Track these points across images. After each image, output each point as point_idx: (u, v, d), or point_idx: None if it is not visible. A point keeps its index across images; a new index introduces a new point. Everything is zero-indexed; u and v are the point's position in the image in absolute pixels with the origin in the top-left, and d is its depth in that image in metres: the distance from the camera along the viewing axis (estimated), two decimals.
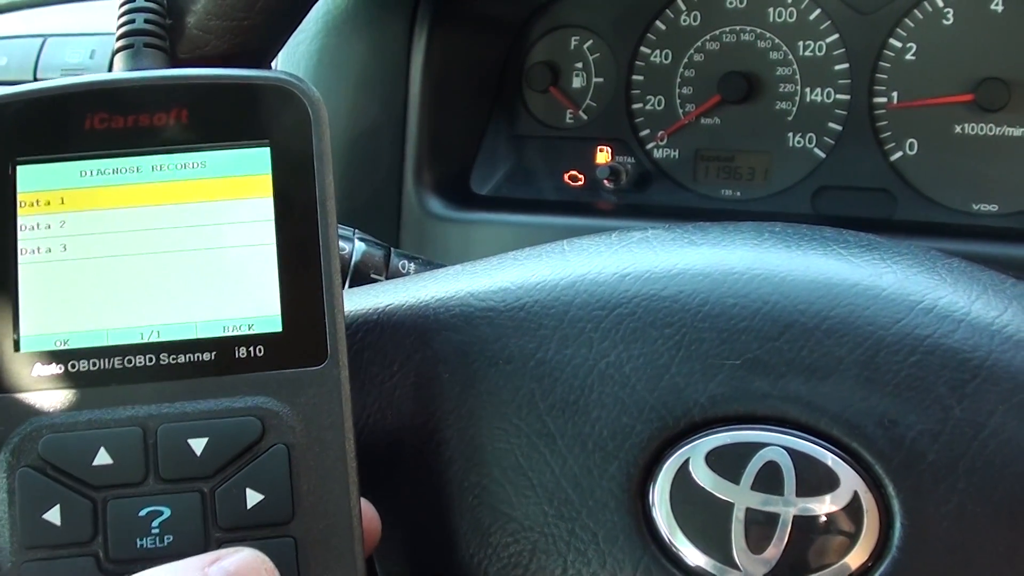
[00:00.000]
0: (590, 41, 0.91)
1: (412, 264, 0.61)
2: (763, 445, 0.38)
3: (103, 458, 0.37)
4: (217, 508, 0.37)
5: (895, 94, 0.82)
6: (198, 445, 0.38)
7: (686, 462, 0.39)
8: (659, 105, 0.89)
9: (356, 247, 0.61)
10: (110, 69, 0.85)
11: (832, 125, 0.84)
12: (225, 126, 0.40)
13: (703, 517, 0.39)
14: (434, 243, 0.86)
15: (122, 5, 0.44)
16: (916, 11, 0.80)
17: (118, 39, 0.44)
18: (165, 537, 0.37)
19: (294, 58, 0.83)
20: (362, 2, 0.85)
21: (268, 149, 0.40)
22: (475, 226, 0.85)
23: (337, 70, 0.84)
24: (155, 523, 0.37)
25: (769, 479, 0.38)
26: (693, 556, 0.39)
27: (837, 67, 0.83)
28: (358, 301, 0.45)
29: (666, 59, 0.89)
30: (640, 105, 0.90)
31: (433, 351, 0.43)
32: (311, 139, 0.40)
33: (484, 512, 0.42)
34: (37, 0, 0.96)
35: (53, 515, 0.37)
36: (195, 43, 0.46)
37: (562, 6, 0.91)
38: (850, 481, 0.37)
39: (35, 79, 0.89)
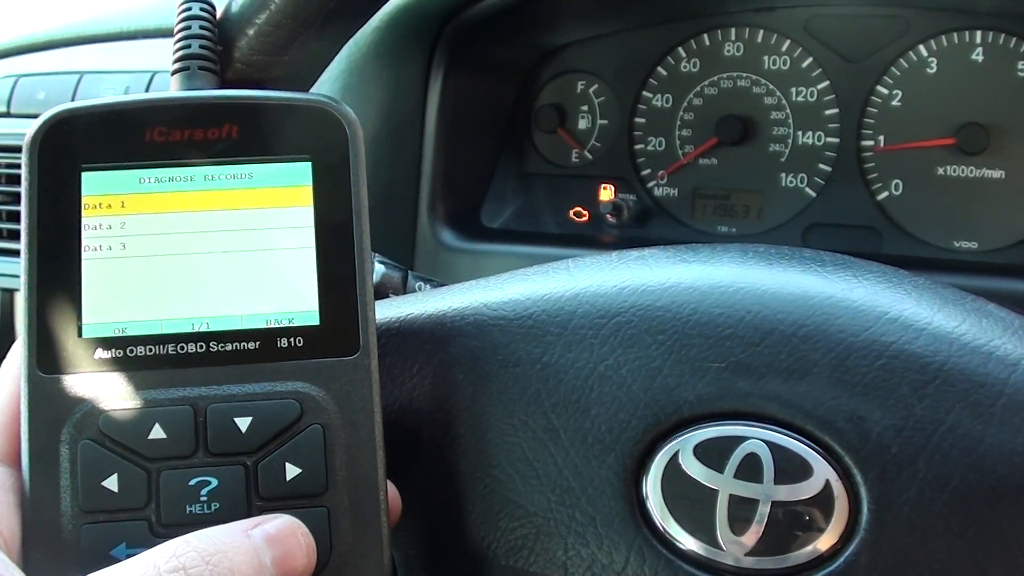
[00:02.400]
0: (595, 85, 0.93)
1: (427, 286, 0.63)
2: (745, 438, 0.40)
3: (157, 433, 0.39)
4: (259, 480, 0.40)
5: (881, 138, 0.84)
6: (243, 423, 0.40)
7: (676, 454, 0.41)
8: (660, 146, 0.91)
9: (376, 268, 0.62)
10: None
11: (822, 166, 0.86)
12: (271, 142, 0.42)
13: (691, 503, 0.40)
14: (446, 272, 0.86)
15: (179, 31, 0.46)
16: (902, 60, 0.83)
17: (175, 62, 0.46)
18: (212, 504, 0.39)
19: None
20: (382, 46, 0.86)
21: (309, 163, 0.42)
22: (485, 256, 0.86)
23: (358, 108, 0.78)
24: (203, 492, 0.39)
25: (750, 469, 0.40)
26: (682, 538, 0.40)
27: (827, 112, 0.85)
28: (382, 310, 0.47)
29: (667, 103, 0.91)
30: (642, 146, 0.92)
31: (449, 355, 0.45)
32: (348, 155, 0.42)
33: (493, 499, 0.43)
34: (73, 39, 0.97)
35: (111, 483, 0.39)
36: (240, 73, 0.48)
37: (569, 52, 0.93)
38: (822, 471, 0.39)
39: None
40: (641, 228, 0.91)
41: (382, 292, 0.62)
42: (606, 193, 0.93)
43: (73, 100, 0.90)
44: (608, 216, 0.91)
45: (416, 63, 0.88)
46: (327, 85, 0.85)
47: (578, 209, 0.93)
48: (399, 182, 0.88)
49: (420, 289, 0.63)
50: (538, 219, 0.94)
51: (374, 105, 0.87)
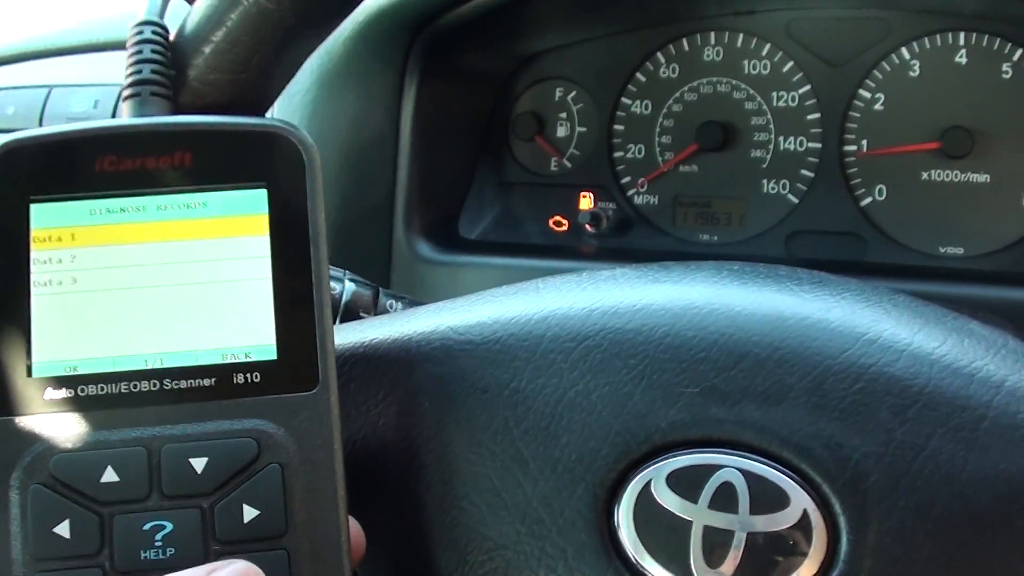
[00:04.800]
0: (574, 92, 0.92)
1: (399, 303, 0.62)
2: (719, 467, 0.39)
3: (110, 476, 0.38)
4: (216, 523, 0.39)
5: (864, 142, 0.83)
6: (199, 464, 0.39)
7: (648, 483, 0.40)
8: (639, 153, 0.91)
9: (346, 287, 0.61)
10: (113, 115, 0.87)
11: (804, 172, 0.85)
12: (225, 169, 0.41)
13: (664, 534, 0.40)
14: (423, 285, 0.86)
15: (130, 56, 0.45)
16: (884, 63, 0.82)
17: (126, 87, 0.45)
18: (167, 550, 0.38)
19: (290, 108, 0.84)
20: (354, 56, 0.85)
21: (265, 191, 0.41)
22: (462, 269, 0.86)
23: (331, 120, 0.85)
24: (158, 537, 0.38)
25: (725, 498, 0.39)
26: (655, 571, 0.40)
27: (809, 117, 0.85)
28: (346, 335, 0.46)
29: (646, 109, 0.90)
30: (621, 153, 0.91)
31: (415, 382, 0.44)
32: (305, 182, 0.41)
33: (461, 532, 0.42)
34: (43, 51, 0.96)
35: (63, 529, 0.38)
36: (196, 94, 0.47)
37: (547, 59, 0.92)
38: (800, 500, 0.38)
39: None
40: (621, 237, 0.91)
41: (353, 311, 0.61)
42: (586, 202, 0.92)
43: (43, 114, 0.89)
44: (587, 227, 0.90)
45: (389, 72, 0.87)
46: (297, 98, 0.84)
47: (558, 218, 0.93)
48: (374, 194, 0.88)
49: (391, 307, 0.62)
50: (517, 229, 0.93)
51: (347, 116, 0.86)
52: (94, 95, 0.89)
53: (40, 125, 0.89)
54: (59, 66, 0.96)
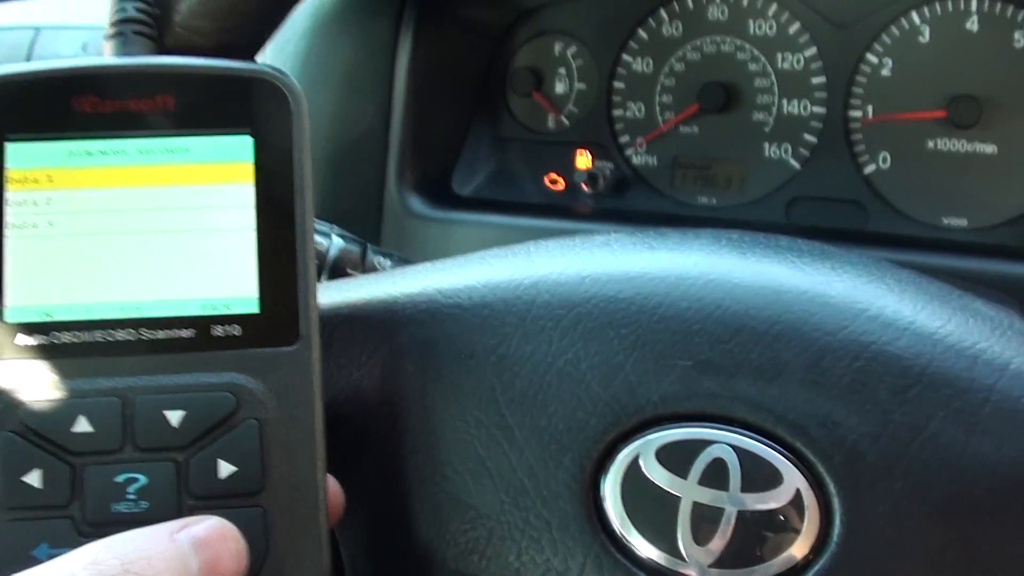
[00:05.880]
0: (573, 48, 0.91)
1: (388, 261, 0.61)
2: (711, 442, 0.39)
3: (83, 426, 0.38)
4: (190, 477, 0.38)
5: (870, 108, 0.82)
6: (174, 417, 0.38)
7: (637, 456, 0.39)
8: (639, 112, 0.89)
9: (334, 243, 0.61)
10: None
11: (808, 137, 0.84)
12: (209, 114, 0.40)
13: (652, 509, 0.39)
14: (414, 242, 0.86)
15: None
16: (893, 27, 0.81)
17: (110, 26, 0.44)
18: (140, 503, 0.37)
19: (281, 57, 0.83)
20: (348, 5, 0.85)
21: (250, 138, 0.40)
22: (455, 226, 0.85)
23: (323, 70, 0.84)
24: (131, 489, 0.38)
25: (716, 475, 0.38)
26: (641, 546, 0.39)
27: (814, 80, 0.84)
28: (329, 295, 0.45)
29: (647, 67, 0.89)
30: (621, 112, 0.90)
31: (399, 344, 0.43)
32: (292, 130, 0.40)
33: (443, 499, 0.42)
34: None
35: (33, 478, 0.37)
36: (180, 39, 0.46)
37: (546, 13, 0.91)
38: (793, 479, 0.38)
39: None
40: (619, 198, 0.90)
41: (340, 268, 0.61)
42: (583, 160, 0.91)
43: (30, 55, 0.88)
44: (583, 186, 0.89)
45: (384, 21, 0.86)
46: (289, 47, 0.83)
47: (553, 176, 0.92)
48: (366, 147, 0.86)
49: (380, 264, 0.62)
50: (511, 186, 0.92)
51: (340, 67, 0.85)
52: (83, 37, 0.88)
53: None
54: (48, 6, 0.94)
